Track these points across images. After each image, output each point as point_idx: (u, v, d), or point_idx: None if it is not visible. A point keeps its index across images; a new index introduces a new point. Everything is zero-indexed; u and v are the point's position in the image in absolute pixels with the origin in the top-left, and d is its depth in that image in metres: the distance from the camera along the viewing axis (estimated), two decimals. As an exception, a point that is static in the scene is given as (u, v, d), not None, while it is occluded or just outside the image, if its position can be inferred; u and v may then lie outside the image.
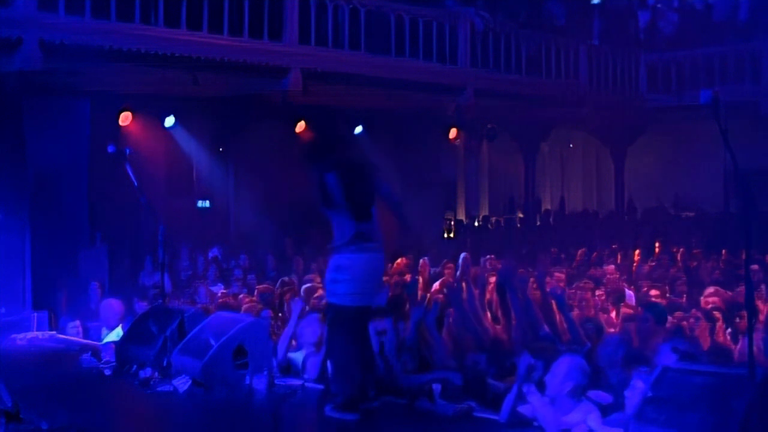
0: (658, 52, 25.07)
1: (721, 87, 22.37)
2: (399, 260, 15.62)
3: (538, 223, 25.34)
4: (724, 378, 5.93)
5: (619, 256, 17.21)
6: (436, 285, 13.31)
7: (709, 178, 25.29)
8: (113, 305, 11.74)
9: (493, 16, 20.99)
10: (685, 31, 25.56)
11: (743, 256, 7.21)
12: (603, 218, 26.14)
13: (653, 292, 12.55)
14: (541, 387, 6.97)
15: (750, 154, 16.56)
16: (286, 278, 13.61)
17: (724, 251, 16.88)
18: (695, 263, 16.51)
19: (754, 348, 8.62)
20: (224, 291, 14.04)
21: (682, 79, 24.27)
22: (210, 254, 18.14)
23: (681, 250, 17.47)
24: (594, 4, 26.78)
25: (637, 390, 6.64)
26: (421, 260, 15.60)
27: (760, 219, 17.29)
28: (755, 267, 14.49)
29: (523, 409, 7.10)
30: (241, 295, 12.93)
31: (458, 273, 13.28)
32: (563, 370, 6.92)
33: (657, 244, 18.37)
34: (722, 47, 23.98)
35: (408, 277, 13.89)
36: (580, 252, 17.58)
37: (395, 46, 18.84)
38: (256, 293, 12.63)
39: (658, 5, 27.30)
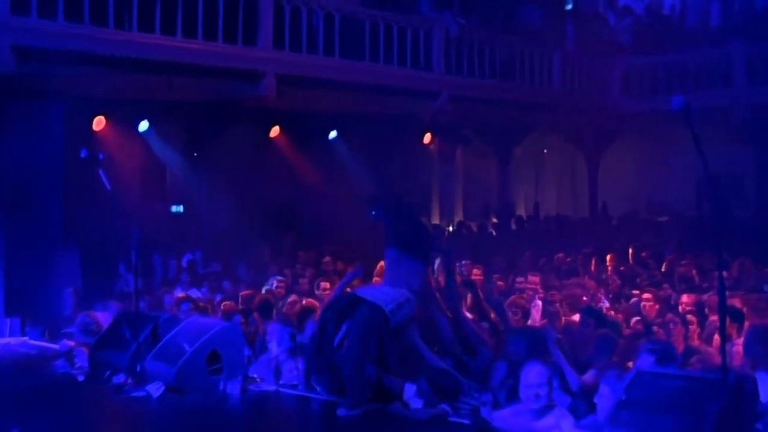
0: (632, 57, 25.20)
1: (695, 92, 22.53)
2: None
3: (513, 228, 25.35)
4: (697, 381, 5.97)
5: (593, 261, 17.25)
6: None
7: (682, 183, 25.41)
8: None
9: (467, 22, 21.03)
10: (658, 37, 25.70)
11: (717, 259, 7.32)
12: (577, 223, 26.19)
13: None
14: (513, 394, 6.98)
15: (722, 159, 16.77)
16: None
17: (689, 255, 17.00)
18: (669, 267, 16.60)
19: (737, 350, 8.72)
20: (198, 296, 14.02)
21: (656, 84, 24.40)
22: (184, 259, 18.08)
23: (655, 253, 17.58)
24: (568, 10, 26.91)
25: (605, 395, 6.67)
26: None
27: (731, 223, 17.43)
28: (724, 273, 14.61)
29: (496, 417, 7.12)
30: (216, 300, 12.94)
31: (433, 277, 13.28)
32: (531, 377, 6.92)
33: (630, 249, 18.43)
34: (695, 53, 24.13)
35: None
36: (557, 257, 17.63)
37: (370, 52, 18.86)
38: (240, 300, 12.69)
39: (632, 11, 27.48)
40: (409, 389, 8.03)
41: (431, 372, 8.35)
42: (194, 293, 14.40)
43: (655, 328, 10.66)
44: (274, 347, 9.42)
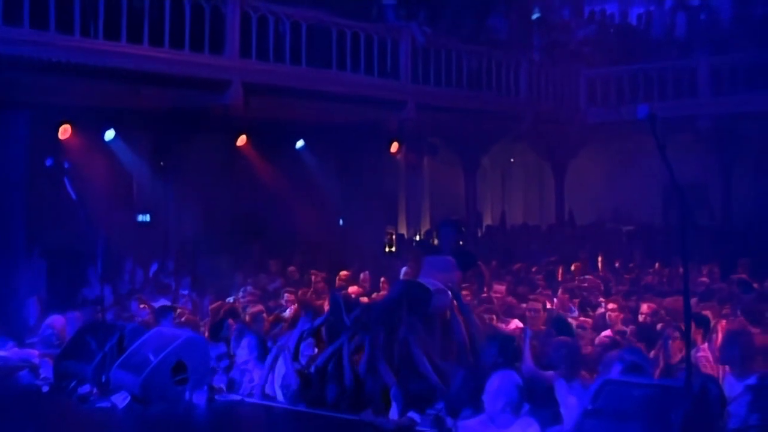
0: (598, 67, 25.35)
1: (660, 102, 22.72)
2: (341, 273, 15.69)
3: (479, 235, 25.41)
4: (662, 389, 5.99)
5: (559, 270, 17.31)
6: (374, 296, 13.39)
7: (648, 192, 25.52)
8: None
9: (434, 31, 21.08)
10: (624, 47, 25.87)
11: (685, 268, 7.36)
12: (543, 232, 26.28)
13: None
14: (479, 405, 6.97)
15: (688, 168, 16.86)
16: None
17: (657, 264, 17.12)
18: (635, 275, 16.69)
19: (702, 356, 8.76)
20: (164, 305, 13.94)
21: (622, 94, 24.56)
22: (151, 269, 18.00)
23: (622, 262, 17.68)
24: (534, 20, 27.01)
25: (570, 404, 6.69)
26: (361, 274, 15.66)
27: (697, 232, 17.53)
28: (705, 279, 14.76)
29: (462, 426, 7.11)
30: (178, 310, 12.89)
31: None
32: (496, 386, 6.89)
33: (600, 258, 18.53)
34: (660, 63, 24.33)
35: (351, 290, 13.97)
36: (523, 266, 17.69)
37: (337, 61, 18.86)
38: (210, 311, 12.66)
39: (598, 21, 27.66)
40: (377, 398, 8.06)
41: (410, 377, 8.35)
42: (161, 302, 14.34)
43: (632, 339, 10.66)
44: (242, 354, 9.41)
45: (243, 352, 9.46)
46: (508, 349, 8.28)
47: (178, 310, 12.78)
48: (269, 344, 9.52)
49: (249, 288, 14.71)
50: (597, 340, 10.73)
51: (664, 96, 23.69)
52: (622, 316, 12.05)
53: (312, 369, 8.75)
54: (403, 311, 8.71)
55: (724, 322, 10.97)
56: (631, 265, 17.38)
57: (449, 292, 9.49)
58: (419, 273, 10.57)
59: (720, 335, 10.45)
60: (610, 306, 12.55)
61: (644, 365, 7.69)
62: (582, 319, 11.61)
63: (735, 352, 8.18)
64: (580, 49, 26.14)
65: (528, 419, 6.91)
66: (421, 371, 8.41)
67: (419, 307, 8.97)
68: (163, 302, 14.39)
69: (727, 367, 8.79)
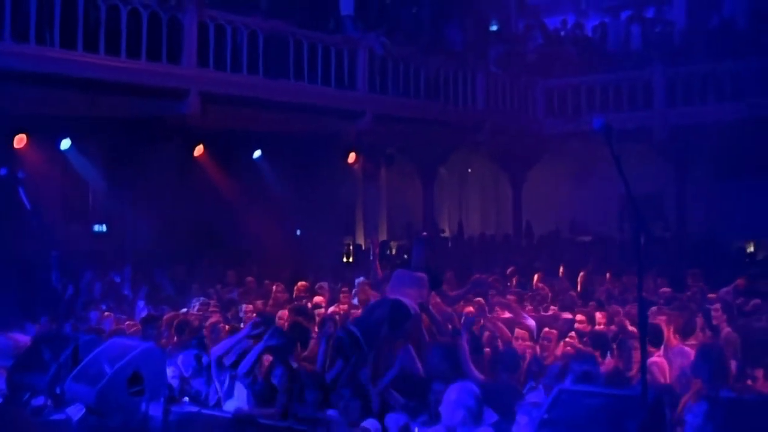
0: (555, 78, 25.51)
1: (616, 113, 22.93)
2: (298, 284, 15.65)
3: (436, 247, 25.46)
4: (617, 399, 6.03)
5: (514, 280, 17.35)
6: (331, 309, 13.38)
7: (605, 203, 25.73)
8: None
9: (392, 42, 21.12)
10: (580, 59, 26.06)
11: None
12: (500, 242, 26.38)
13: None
14: (437, 417, 6.97)
15: (643, 179, 17.01)
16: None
17: (608, 274, 17.22)
18: (589, 286, 16.76)
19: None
20: (120, 316, 13.88)
21: (579, 105, 24.73)
22: (106, 279, 17.87)
23: (575, 272, 17.76)
24: (492, 31, 27.15)
25: (523, 418, 6.72)
26: (317, 285, 15.63)
27: (652, 243, 17.67)
28: (666, 290, 14.87)
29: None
30: (127, 323, 12.82)
31: (355, 298, 13.40)
32: (453, 398, 6.89)
33: (561, 269, 18.59)
34: (616, 74, 24.53)
35: (315, 300, 13.98)
36: (474, 276, 17.69)
37: (294, 71, 18.85)
38: (164, 323, 12.56)
39: (555, 33, 27.83)
40: (332, 414, 8.08)
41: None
42: (115, 314, 14.25)
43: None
44: (179, 368, 9.42)
45: (179, 365, 9.48)
46: (451, 358, 8.34)
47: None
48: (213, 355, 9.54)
49: (202, 298, 14.64)
50: (558, 351, 10.80)
51: (620, 107, 23.91)
52: (585, 326, 12.12)
53: (276, 382, 8.77)
54: (388, 330, 8.76)
55: (672, 328, 11.10)
56: (582, 273, 17.43)
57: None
58: (388, 286, 10.53)
59: (674, 343, 10.59)
60: (578, 317, 12.61)
61: (594, 373, 7.75)
62: (546, 330, 11.63)
63: (706, 367, 8.25)
64: (537, 61, 26.30)
65: (487, 429, 6.92)
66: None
67: (401, 328, 9.02)
68: (117, 313, 14.32)
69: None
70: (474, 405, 6.84)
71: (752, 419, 6.23)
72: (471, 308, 12.59)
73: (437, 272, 11.33)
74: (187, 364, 9.48)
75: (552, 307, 14.25)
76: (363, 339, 8.82)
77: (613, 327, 11.87)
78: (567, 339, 11.31)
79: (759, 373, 9.29)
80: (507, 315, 13.00)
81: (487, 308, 13.12)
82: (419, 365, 9.01)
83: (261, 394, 8.77)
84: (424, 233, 10.08)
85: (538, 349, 10.98)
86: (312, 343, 11.09)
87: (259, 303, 14.26)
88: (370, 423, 7.83)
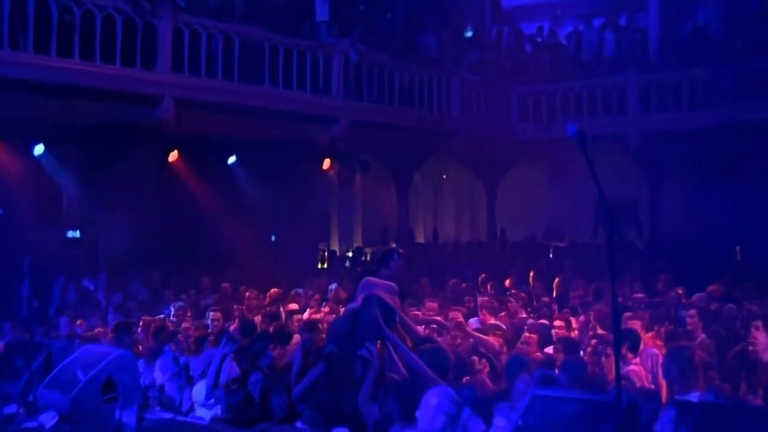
0: (529, 85, 25.59)
1: (590, 120, 23.02)
2: (272, 291, 15.63)
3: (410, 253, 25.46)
4: (591, 404, 6.04)
5: (489, 286, 17.36)
6: (305, 315, 13.36)
7: (579, 209, 25.76)
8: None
9: (367, 48, 21.13)
10: (555, 65, 26.14)
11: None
12: (474, 248, 26.39)
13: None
14: (414, 422, 6.94)
15: (617, 186, 17.05)
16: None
17: (581, 279, 17.26)
18: (565, 292, 16.80)
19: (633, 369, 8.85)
20: (93, 323, 13.82)
21: (553, 111, 24.81)
22: (80, 285, 17.79)
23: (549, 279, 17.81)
24: (467, 37, 27.19)
25: (501, 420, 6.72)
26: (292, 291, 15.61)
27: (624, 249, 17.72)
28: (640, 295, 14.94)
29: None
30: (98, 329, 12.77)
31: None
32: (433, 403, 6.85)
33: (531, 274, 18.64)
34: (590, 81, 24.62)
35: (290, 306, 13.95)
36: (451, 282, 17.71)
37: (269, 76, 18.85)
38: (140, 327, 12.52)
39: (531, 39, 27.92)
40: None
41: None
42: (90, 320, 14.20)
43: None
44: (158, 375, 9.38)
45: (158, 373, 9.43)
46: (441, 362, 8.32)
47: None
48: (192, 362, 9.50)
49: (178, 303, 14.59)
50: (536, 356, 10.81)
51: (594, 113, 24.00)
52: (563, 332, 12.15)
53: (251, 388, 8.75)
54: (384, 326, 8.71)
55: (651, 334, 11.14)
56: (557, 279, 17.48)
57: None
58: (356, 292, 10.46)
59: (651, 348, 10.64)
60: (556, 323, 12.63)
61: (555, 380, 7.77)
62: (527, 335, 11.64)
63: (676, 368, 8.29)
64: (512, 67, 26.38)
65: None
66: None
67: (393, 321, 9.00)
68: (92, 321, 14.26)
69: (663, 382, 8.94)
70: (454, 410, 6.81)
71: (725, 424, 6.26)
72: (458, 314, 12.60)
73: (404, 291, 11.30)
74: (165, 368, 9.44)
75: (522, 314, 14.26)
76: (358, 342, 8.76)
77: (590, 333, 11.90)
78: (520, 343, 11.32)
79: (733, 377, 9.35)
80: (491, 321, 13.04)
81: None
82: (402, 368, 8.99)
83: (238, 402, 8.74)
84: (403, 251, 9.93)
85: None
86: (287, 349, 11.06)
87: (230, 310, 14.21)
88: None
